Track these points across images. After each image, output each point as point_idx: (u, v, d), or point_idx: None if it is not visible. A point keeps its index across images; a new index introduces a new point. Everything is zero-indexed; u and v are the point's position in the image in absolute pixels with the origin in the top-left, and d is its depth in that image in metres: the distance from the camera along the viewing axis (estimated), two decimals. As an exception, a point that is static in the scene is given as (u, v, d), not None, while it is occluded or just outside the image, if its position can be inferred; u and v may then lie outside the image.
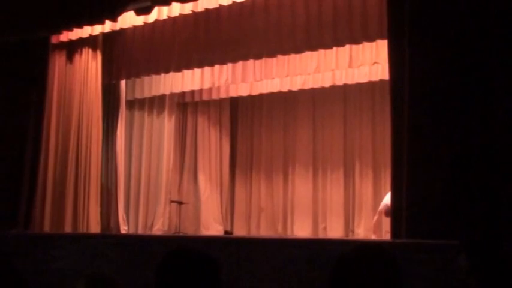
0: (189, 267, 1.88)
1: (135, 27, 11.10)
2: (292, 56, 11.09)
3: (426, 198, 6.56)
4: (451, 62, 6.60)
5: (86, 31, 10.90)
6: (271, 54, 10.60)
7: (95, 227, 11.09)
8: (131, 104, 13.27)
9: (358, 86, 12.48)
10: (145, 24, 10.84)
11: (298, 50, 10.25)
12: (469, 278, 2.62)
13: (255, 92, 13.21)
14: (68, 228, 10.84)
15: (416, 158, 6.79)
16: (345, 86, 12.55)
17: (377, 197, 12.62)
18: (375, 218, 10.61)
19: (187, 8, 10.26)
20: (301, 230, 13.18)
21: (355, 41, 9.67)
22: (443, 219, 6.27)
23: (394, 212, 7.26)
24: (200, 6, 10.20)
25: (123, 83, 12.60)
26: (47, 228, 10.68)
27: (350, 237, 12.31)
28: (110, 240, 9.24)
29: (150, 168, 13.31)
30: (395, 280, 1.72)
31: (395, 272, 1.75)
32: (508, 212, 5.93)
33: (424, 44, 6.87)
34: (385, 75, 9.03)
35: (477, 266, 2.76)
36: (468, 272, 2.66)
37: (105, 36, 11.50)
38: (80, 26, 10.59)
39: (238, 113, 14.91)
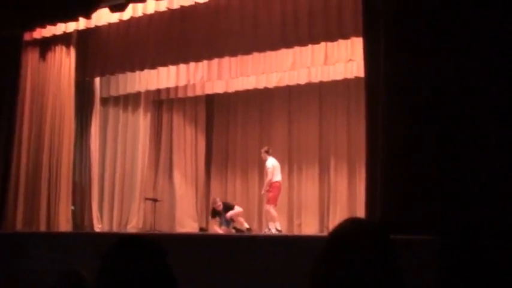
0: (134, 253, 1.88)
1: (109, 25, 11.02)
2: (268, 53, 11.10)
3: (400, 194, 6.61)
4: (426, 60, 6.65)
5: (60, 28, 10.80)
6: (247, 51, 10.60)
7: (65, 226, 10.98)
8: (106, 102, 13.18)
9: (334, 83, 12.53)
10: (120, 21, 10.77)
11: (274, 47, 10.26)
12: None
13: (230, 89, 13.21)
14: (42, 227, 10.73)
15: (391, 154, 6.84)
16: (321, 83, 12.60)
17: (352, 194, 12.71)
18: None
19: (163, 5, 10.22)
20: (277, 226, 13.21)
21: (331, 38, 9.71)
22: (417, 214, 6.33)
23: (368, 207, 7.31)
24: (175, 4, 10.16)
25: (97, 80, 12.51)
26: (19, 227, 10.56)
27: (325, 234, 12.36)
28: (84, 239, 9.19)
29: (124, 165, 13.24)
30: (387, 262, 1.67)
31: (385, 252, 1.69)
32: (483, 205, 6.01)
33: (398, 42, 6.92)
34: (361, 73, 9.07)
35: (453, 258, 2.76)
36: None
37: (80, 33, 11.39)
38: (53, 23, 10.48)
39: (214, 110, 14.90)
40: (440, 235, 5.79)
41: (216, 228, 12.21)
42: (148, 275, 1.83)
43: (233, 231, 11.97)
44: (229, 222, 12.09)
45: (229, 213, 11.96)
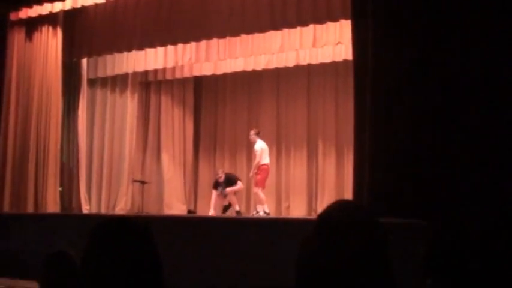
0: (120, 233, 1.88)
1: (96, 5, 10.93)
2: (256, 35, 11.07)
3: (388, 178, 6.64)
4: (414, 43, 6.66)
5: (46, 8, 10.69)
6: (235, 33, 10.56)
7: (53, 207, 10.96)
8: (93, 83, 13.10)
9: (322, 66, 12.51)
10: (107, 1, 10.69)
11: (262, 29, 10.23)
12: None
13: (219, 72, 13.16)
14: (30, 208, 10.70)
15: (379, 137, 6.87)
16: (309, 65, 12.58)
17: (340, 176, 12.74)
18: None
19: (151, -14, 10.14)
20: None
21: (319, 20, 9.69)
22: (404, 198, 6.37)
23: (356, 190, 7.35)
24: (163, -16, 10.09)
25: (84, 61, 12.42)
26: (6, 208, 10.52)
27: (314, 217, 12.41)
28: (72, 220, 9.17)
29: (112, 147, 13.20)
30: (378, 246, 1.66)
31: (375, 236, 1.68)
32: (469, 191, 6.05)
33: (387, 25, 6.91)
34: (349, 56, 9.06)
35: (440, 242, 2.75)
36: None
37: (66, 13, 11.29)
38: (39, 2, 10.38)
39: (202, 92, 14.84)
40: (427, 219, 5.83)
41: (212, 198, 12.18)
42: (134, 255, 1.83)
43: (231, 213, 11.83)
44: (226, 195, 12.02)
45: (228, 189, 11.81)
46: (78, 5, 10.69)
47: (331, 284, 1.60)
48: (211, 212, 11.85)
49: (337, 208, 1.72)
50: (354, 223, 1.65)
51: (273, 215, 12.12)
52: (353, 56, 7.78)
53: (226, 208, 11.94)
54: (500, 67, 6.15)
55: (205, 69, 13.17)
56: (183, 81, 14.23)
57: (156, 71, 13.36)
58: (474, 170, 6.06)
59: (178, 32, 10.55)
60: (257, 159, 11.52)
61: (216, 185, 12.09)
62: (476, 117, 6.18)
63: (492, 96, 6.20)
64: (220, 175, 12.06)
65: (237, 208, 11.85)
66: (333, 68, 12.65)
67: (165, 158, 14.00)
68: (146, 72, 13.41)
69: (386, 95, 6.84)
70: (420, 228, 5.72)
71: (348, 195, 9.98)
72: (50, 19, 11.23)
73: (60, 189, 11.46)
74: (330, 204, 1.74)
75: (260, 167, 11.51)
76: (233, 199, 11.85)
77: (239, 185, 11.99)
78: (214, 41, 11.44)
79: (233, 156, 14.14)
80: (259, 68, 12.69)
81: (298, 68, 12.74)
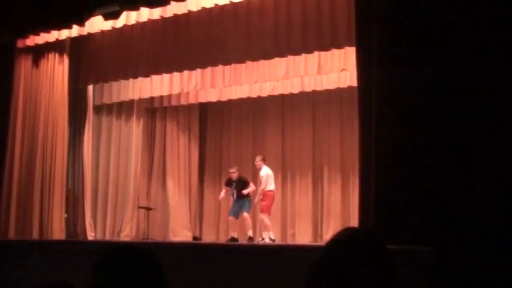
0: (128, 260, 1.86)
1: (103, 32, 11.02)
2: (261, 62, 11.11)
3: (394, 204, 6.61)
4: (419, 69, 6.68)
5: (53, 35, 10.78)
6: (240, 60, 10.61)
7: (59, 234, 10.94)
8: (99, 109, 13.15)
9: (327, 92, 12.55)
10: (114, 29, 10.77)
11: (267, 56, 10.27)
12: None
13: (224, 98, 13.21)
14: (35, 235, 10.68)
15: (384, 163, 6.85)
16: (314, 92, 12.62)
17: (345, 203, 12.70)
18: None
19: (156, 14, 10.22)
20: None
21: (324, 47, 9.72)
22: (410, 224, 6.33)
23: (361, 217, 7.31)
24: (169, 12, 10.16)
25: (90, 88, 12.49)
26: (11, 235, 10.50)
27: (319, 243, 12.35)
28: (77, 247, 9.14)
29: (118, 173, 13.21)
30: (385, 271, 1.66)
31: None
32: (476, 214, 6.02)
33: (391, 51, 6.94)
34: (354, 82, 9.08)
35: (446, 268, 2.74)
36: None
37: (73, 40, 11.39)
38: (46, 30, 10.47)
39: (207, 118, 14.88)
40: (433, 245, 5.79)
41: (222, 193, 12.19)
42: (141, 282, 1.82)
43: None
44: (241, 199, 11.75)
45: (246, 191, 11.66)
46: (85, 33, 10.78)
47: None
48: (222, 195, 12.13)
49: (346, 235, 1.72)
50: (362, 250, 1.65)
51: (278, 241, 12.06)
52: (358, 83, 7.79)
53: (234, 241, 11.74)
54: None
55: (211, 95, 13.22)
56: (189, 107, 14.29)
57: (161, 98, 13.42)
58: (486, 197, 6.03)
59: (183, 59, 10.61)
60: (262, 185, 11.50)
61: (229, 183, 12.00)
62: (488, 142, 6.17)
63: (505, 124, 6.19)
64: (233, 170, 11.96)
65: (250, 233, 11.60)
66: (338, 94, 12.68)
67: (170, 184, 13.99)
68: (152, 99, 13.47)
69: (391, 120, 6.84)
70: (427, 254, 5.68)
71: (354, 221, 9.93)
72: (57, 46, 11.33)
73: (65, 215, 11.44)
74: (339, 231, 1.74)
75: (265, 193, 11.47)
76: (248, 221, 11.67)
77: (252, 186, 11.87)
78: (220, 68, 11.50)
79: (238, 182, 14.11)
80: (264, 94, 12.73)
81: (303, 95, 12.78)
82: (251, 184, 11.87)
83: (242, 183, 11.81)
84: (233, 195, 11.91)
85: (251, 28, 9.86)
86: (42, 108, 11.19)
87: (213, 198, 14.28)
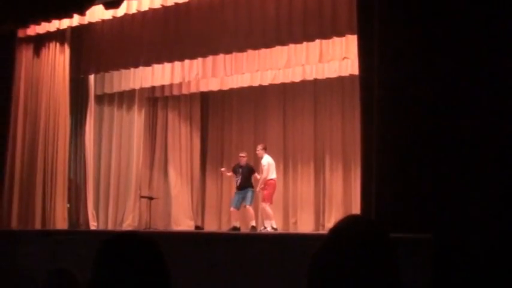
0: (129, 247, 1.87)
1: (103, 22, 10.98)
2: (263, 50, 11.09)
3: (395, 192, 6.61)
4: (420, 57, 6.66)
5: (54, 25, 10.76)
6: (242, 49, 10.58)
7: (61, 223, 10.97)
8: (100, 99, 13.15)
9: (328, 80, 12.53)
10: (114, 18, 10.73)
11: (269, 45, 10.25)
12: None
13: (225, 87, 13.20)
14: (38, 225, 10.71)
15: (386, 152, 6.84)
16: (315, 80, 12.60)
17: (347, 191, 12.71)
18: None
19: (157, 3, 10.20)
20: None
21: (326, 35, 9.70)
22: (412, 212, 6.33)
23: (363, 205, 7.31)
24: (170, 1, 10.14)
25: (92, 77, 12.47)
26: (14, 225, 10.53)
27: (321, 232, 12.37)
28: (79, 237, 9.17)
29: (120, 163, 13.22)
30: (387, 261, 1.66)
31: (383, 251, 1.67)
32: (477, 204, 6.02)
33: (393, 39, 6.91)
34: (355, 70, 9.06)
35: (447, 256, 2.75)
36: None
37: (74, 30, 11.37)
38: (47, 19, 10.44)
39: (209, 107, 14.88)
40: (434, 233, 5.80)
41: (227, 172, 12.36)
42: (143, 270, 1.82)
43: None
44: (243, 189, 11.74)
45: (261, 180, 11.59)
46: (86, 22, 10.75)
47: (341, 299, 1.60)
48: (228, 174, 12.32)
49: (348, 223, 1.72)
50: (364, 238, 1.65)
51: (280, 230, 12.09)
52: (359, 71, 7.77)
53: (236, 230, 11.75)
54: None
55: (212, 84, 13.21)
56: (190, 96, 14.27)
57: (163, 87, 13.40)
58: (486, 186, 6.03)
59: (185, 48, 10.59)
60: (264, 174, 11.50)
61: (236, 170, 11.99)
62: (489, 133, 6.16)
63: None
64: (243, 155, 11.98)
65: (253, 223, 11.62)
66: (339, 82, 12.67)
67: (172, 173, 14.01)
68: (153, 88, 13.46)
69: (393, 109, 6.83)
70: (429, 243, 5.69)
71: (356, 209, 9.95)
72: (58, 36, 11.31)
73: (67, 205, 11.47)
74: (341, 219, 1.74)
75: (267, 182, 11.49)
76: (250, 212, 11.68)
77: (257, 176, 11.87)
78: (221, 56, 11.48)
79: (240, 171, 14.12)
80: (265, 83, 12.71)
81: (304, 83, 12.76)
82: (257, 174, 11.88)
83: (249, 170, 11.82)
84: (236, 183, 11.91)
85: (252, 16, 9.83)
86: (44, 97, 11.17)
87: (215, 188, 14.31)
